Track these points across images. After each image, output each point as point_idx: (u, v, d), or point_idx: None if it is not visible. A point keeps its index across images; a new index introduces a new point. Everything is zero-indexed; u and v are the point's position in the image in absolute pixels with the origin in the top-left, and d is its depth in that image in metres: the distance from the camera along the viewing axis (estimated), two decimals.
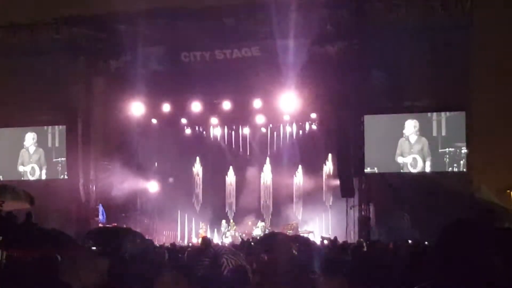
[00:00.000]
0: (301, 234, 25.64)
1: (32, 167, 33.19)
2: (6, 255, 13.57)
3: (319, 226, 32.26)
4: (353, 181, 29.97)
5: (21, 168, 33.27)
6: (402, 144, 29.63)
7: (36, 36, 32.76)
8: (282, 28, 28.91)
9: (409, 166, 29.54)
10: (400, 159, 29.65)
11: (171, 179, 34.62)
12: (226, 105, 31.98)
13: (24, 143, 33.34)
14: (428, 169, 29.39)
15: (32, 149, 33.34)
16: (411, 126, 29.57)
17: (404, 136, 29.62)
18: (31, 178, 32.95)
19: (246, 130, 34.60)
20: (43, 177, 33.11)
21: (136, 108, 32.34)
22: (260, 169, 34.48)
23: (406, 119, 29.65)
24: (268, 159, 34.45)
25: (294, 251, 10.14)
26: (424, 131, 29.53)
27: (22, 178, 32.75)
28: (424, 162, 29.39)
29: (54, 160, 33.05)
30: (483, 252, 3.95)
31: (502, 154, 28.15)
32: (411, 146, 29.54)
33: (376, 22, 29.63)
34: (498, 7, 27.77)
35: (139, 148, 32.52)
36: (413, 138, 29.53)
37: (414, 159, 29.44)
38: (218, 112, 32.85)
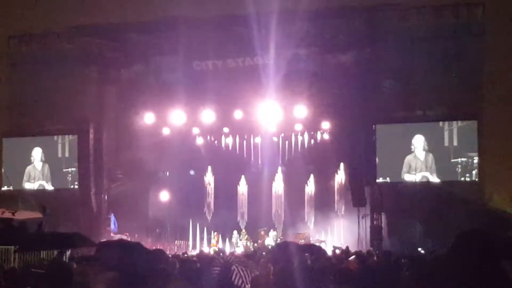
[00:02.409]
0: (313, 244, 25.54)
1: (40, 184, 33.28)
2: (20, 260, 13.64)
3: (331, 235, 32.11)
4: (364, 190, 29.91)
5: (27, 185, 33.29)
6: (410, 162, 29.56)
7: (48, 46, 32.92)
8: (294, 37, 28.93)
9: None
10: (407, 176, 29.60)
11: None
12: (238, 114, 31.95)
13: (32, 158, 33.39)
14: (438, 179, 29.30)
15: (39, 165, 33.40)
16: (420, 141, 29.52)
17: (412, 151, 29.56)
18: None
19: (257, 139, 34.53)
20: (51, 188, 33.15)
21: (147, 118, 32.35)
22: (272, 178, 34.37)
23: (418, 129, 29.59)
24: (279, 168, 34.34)
25: (308, 261, 10.12)
26: (435, 141, 29.45)
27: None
28: (431, 177, 29.42)
29: (64, 170, 33.12)
30: (496, 260, 3.91)
31: None
32: (420, 163, 29.46)
33: (388, 31, 29.62)
34: (510, 15, 27.68)
35: (150, 157, 32.50)
36: (421, 154, 29.46)
37: (424, 177, 29.41)
38: (230, 121, 32.79)
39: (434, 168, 29.35)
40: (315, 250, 17.76)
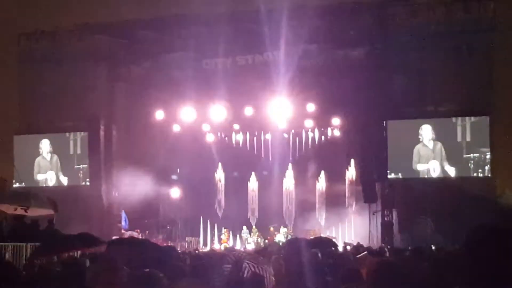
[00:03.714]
0: (323, 237, 25.46)
1: (52, 175, 33.49)
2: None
3: (342, 231, 32.07)
4: (375, 186, 29.86)
5: (39, 177, 33.54)
6: (420, 151, 29.58)
7: (58, 43, 33.00)
8: (304, 33, 28.86)
9: (431, 172, 29.48)
10: (420, 166, 29.60)
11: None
12: (248, 111, 31.95)
13: (40, 150, 33.61)
14: (452, 174, 29.28)
15: (48, 156, 33.65)
16: (427, 131, 29.53)
17: (420, 142, 29.58)
18: (50, 184, 33.24)
19: (268, 136, 34.51)
20: (65, 183, 33.33)
21: (158, 115, 32.42)
22: (283, 175, 34.33)
23: (429, 124, 29.57)
24: (290, 165, 34.29)
25: (318, 256, 10.07)
26: (448, 136, 29.42)
27: (43, 185, 32.98)
28: (443, 166, 29.40)
29: (75, 167, 33.26)
30: (508, 257, 3.88)
31: None
32: (430, 152, 29.47)
33: (399, 27, 29.54)
34: None
35: (161, 154, 32.53)
36: (430, 143, 29.49)
37: (436, 165, 29.39)
38: (240, 118, 32.79)
39: (444, 156, 29.39)
40: (327, 242, 17.76)
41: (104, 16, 31.45)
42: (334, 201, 32.74)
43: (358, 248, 21.08)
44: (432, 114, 29.80)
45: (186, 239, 33.68)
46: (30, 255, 16.21)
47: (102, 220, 31.20)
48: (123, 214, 31.21)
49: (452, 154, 29.34)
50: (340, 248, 23.52)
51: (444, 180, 29.29)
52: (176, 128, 33.44)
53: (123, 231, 30.30)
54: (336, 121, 32.26)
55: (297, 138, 34.26)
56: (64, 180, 33.47)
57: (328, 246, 15.78)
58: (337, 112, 31.57)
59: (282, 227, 32.80)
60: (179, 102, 32.27)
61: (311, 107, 31.00)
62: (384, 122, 29.97)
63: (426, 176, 29.65)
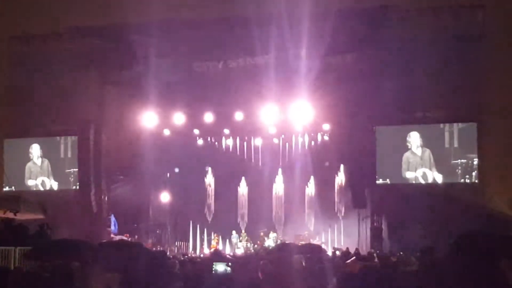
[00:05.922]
0: (313, 243, 25.51)
1: (43, 180, 33.37)
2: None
3: (331, 237, 32.16)
4: (365, 192, 29.93)
5: (30, 182, 33.43)
6: (409, 158, 29.68)
7: (49, 46, 32.91)
8: (295, 38, 28.90)
9: (420, 179, 29.56)
10: (408, 174, 29.69)
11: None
12: (239, 115, 31.94)
13: (30, 155, 33.52)
14: (440, 180, 29.37)
15: (39, 161, 33.54)
16: (415, 138, 29.64)
17: (409, 149, 29.68)
18: (41, 189, 33.14)
19: (258, 141, 34.52)
20: (55, 187, 33.24)
21: (148, 119, 32.36)
22: (272, 180, 34.37)
23: (418, 130, 29.67)
24: (280, 170, 34.33)
25: (302, 263, 10.15)
26: (436, 142, 29.51)
27: (34, 189, 32.92)
28: (432, 173, 29.49)
29: (66, 170, 33.18)
30: (495, 262, 3.94)
31: None
32: (419, 159, 29.58)
33: (388, 33, 29.60)
34: (511, 18, 27.70)
35: (151, 158, 32.51)
36: (419, 151, 29.61)
37: (425, 173, 29.47)
38: (230, 122, 32.79)
39: (433, 163, 29.49)
40: (316, 249, 17.79)
41: (96, 20, 31.39)
42: (323, 207, 32.80)
43: (347, 253, 21.18)
44: (421, 120, 29.89)
45: (176, 243, 33.68)
46: (19, 260, 16.22)
47: (91, 224, 31.09)
48: (112, 218, 31.17)
49: (440, 160, 29.45)
50: (330, 253, 23.62)
51: (432, 186, 29.37)
52: (166, 132, 33.41)
53: (112, 235, 30.26)
54: (326, 126, 32.31)
55: (287, 143, 34.29)
56: (55, 185, 33.38)
57: (317, 252, 15.84)
58: (327, 117, 31.61)
59: (271, 232, 32.85)
60: (169, 106, 32.23)
61: (301, 112, 31.01)
62: (373, 127, 30.05)
63: (414, 182, 29.75)
